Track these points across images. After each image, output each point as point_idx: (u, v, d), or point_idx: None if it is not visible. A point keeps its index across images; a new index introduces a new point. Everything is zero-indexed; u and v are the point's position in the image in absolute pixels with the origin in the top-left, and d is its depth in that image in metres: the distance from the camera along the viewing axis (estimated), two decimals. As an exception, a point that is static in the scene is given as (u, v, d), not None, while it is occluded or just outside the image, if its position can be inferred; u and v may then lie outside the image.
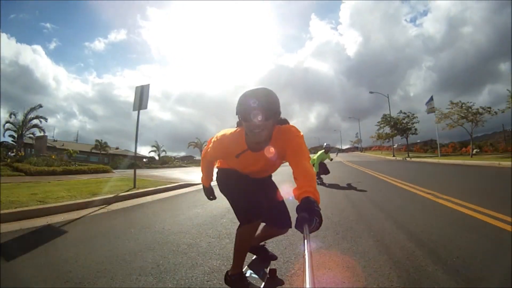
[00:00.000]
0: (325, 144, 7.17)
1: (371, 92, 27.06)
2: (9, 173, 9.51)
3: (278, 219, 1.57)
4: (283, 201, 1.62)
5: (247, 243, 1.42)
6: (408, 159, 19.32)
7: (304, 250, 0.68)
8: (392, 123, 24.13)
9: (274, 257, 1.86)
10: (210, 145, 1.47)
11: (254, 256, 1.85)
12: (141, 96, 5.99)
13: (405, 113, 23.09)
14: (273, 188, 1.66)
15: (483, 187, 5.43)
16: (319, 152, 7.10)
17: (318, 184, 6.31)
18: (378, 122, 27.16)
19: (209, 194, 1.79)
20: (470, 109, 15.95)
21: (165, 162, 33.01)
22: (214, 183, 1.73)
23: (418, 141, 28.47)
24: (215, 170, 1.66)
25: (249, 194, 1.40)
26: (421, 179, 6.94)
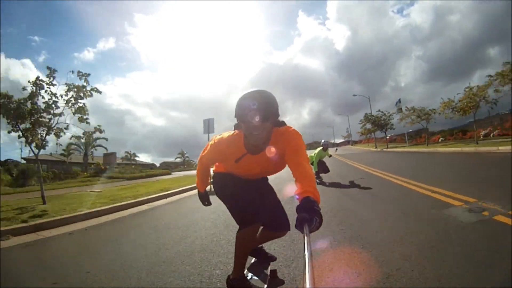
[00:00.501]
0: (322, 141, 6.89)
1: (354, 95, 34.60)
2: (106, 180, 14.54)
3: (276, 222, 1.57)
4: (280, 204, 1.62)
5: (248, 246, 1.42)
6: (385, 150, 24.08)
7: (305, 250, 0.68)
8: (372, 120, 28.82)
9: (274, 258, 1.85)
10: (208, 148, 1.45)
11: (254, 259, 1.84)
12: (209, 125, 8.26)
13: (383, 112, 28.31)
14: (270, 191, 1.65)
15: (411, 166, 8.68)
16: (317, 150, 6.76)
17: (317, 183, 5.55)
18: (361, 120, 31.61)
19: (204, 199, 1.74)
20: (422, 111, 21.65)
21: (190, 165, 37.87)
22: (208, 187, 1.76)
23: (410, 130, 29.20)
24: (212, 174, 1.65)
25: (247, 198, 1.40)
26: (379, 163, 10.05)
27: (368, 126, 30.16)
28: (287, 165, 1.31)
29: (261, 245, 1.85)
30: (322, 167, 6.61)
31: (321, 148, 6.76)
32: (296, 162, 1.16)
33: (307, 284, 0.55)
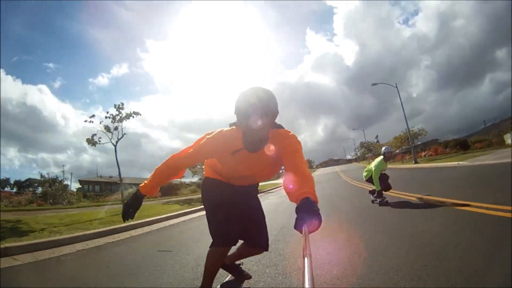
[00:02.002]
0: (384, 148, 5.08)
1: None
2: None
3: (255, 240, 1.52)
4: (264, 221, 1.55)
5: (216, 265, 1.41)
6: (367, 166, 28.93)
7: (304, 250, 0.65)
8: (365, 147, 38.99)
9: (248, 277, 1.75)
10: (203, 141, 1.31)
11: (229, 276, 1.73)
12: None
13: (377, 141, 37.70)
14: (257, 206, 1.58)
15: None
16: (377, 161, 4.97)
17: (377, 202, 4.66)
18: (357, 148, 44.06)
19: (132, 209, 1.30)
20: (402, 140, 26.34)
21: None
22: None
23: (419, 143, 31.03)
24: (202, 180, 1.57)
25: (229, 215, 1.36)
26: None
27: (361, 151, 42.28)
28: (277, 173, 1.29)
29: (238, 262, 1.75)
30: (384, 183, 4.90)
31: (381, 158, 4.98)
32: (294, 164, 1.14)
33: (307, 284, 0.53)
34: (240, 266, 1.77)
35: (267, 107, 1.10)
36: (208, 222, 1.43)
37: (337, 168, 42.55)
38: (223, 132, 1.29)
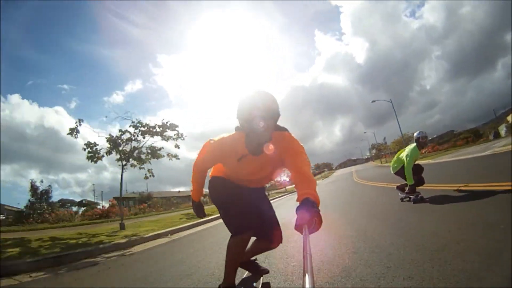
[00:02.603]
0: (416, 133, 4.04)
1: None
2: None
3: (269, 234, 1.53)
4: (275, 215, 1.58)
5: (238, 255, 1.39)
6: (379, 164, 33.11)
7: (304, 251, 0.67)
8: (375, 147, 45.82)
9: (266, 271, 1.79)
10: (207, 150, 1.41)
11: (246, 273, 1.78)
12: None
13: (385, 142, 42.77)
14: (266, 201, 1.62)
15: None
16: (409, 148, 3.97)
17: (411, 200, 3.82)
18: (369, 149, 50.10)
19: (199, 211, 1.67)
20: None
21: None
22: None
23: (435, 136, 31.15)
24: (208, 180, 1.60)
25: (242, 205, 1.37)
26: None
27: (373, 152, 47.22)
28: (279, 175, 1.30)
29: (254, 258, 1.80)
30: (418, 175, 3.97)
31: (414, 145, 4.00)
32: (296, 165, 1.16)
33: (307, 284, 0.54)
34: (256, 261, 1.81)
35: (268, 110, 1.12)
36: (223, 217, 1.45)
37: (353, 168, 47.27)
38: (224, 139, 1.33)
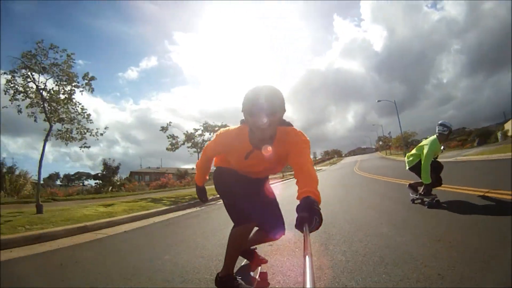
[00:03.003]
0: (440, 124, 3.44)
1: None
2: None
3: (272, 225, 1.54)
4: (279, 207, 1.60)
5: (240, 244, 1.41)
6: (383, 156, 35.54)
7: (304, 249, 0.67)
8: (382, 140, 49.81)
9: (265, 261, 1.83)
10: (214, 139, 1.45)
11: (245, 261, 1.82)
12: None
13: (390, 136, 46.36)
14: (270, 192, 1.63)
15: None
16: (430, 140, 3.41)
17: (425, 204, 3.33)
18: (376, 140, 55.62)
19: (202, 195, 1.72)
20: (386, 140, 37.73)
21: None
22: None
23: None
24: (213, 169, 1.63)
25: (245, 195, 1.38)
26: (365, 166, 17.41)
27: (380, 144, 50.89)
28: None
29: (254, 247, 1.83)
30: (436, 174, 3.42)
31: (434, 137, 3.44)
32: (299, 162, 1.16)
33: (307, 284, 0.54)
34: (256, 251, 1.85)
35: (272, 106, 1.12)
36: (226, 206, 1.47)
37: (359, 157, 50.81)
38: (229, 131, 1.35)
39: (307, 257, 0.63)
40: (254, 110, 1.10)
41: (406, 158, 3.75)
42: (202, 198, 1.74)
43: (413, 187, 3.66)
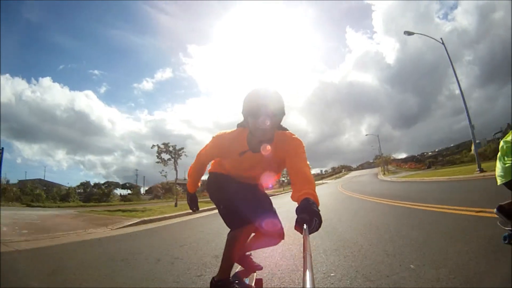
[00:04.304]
0: None
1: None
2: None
3: (270, 230, 1.48)
4: (276, 212, 1.56)
5: (237, 248, 1.38)
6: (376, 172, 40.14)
7: (304, 251, 0.66)
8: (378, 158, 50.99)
9: (259, 267, 1.80)
10: (209, 144, 1.41)
11: (239, 267, 1.79)
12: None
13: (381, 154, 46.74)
14: (266, 197, 1.61)
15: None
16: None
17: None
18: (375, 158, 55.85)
19: (193, 203, 1.63)
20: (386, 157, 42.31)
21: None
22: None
23: (451, 145, 34.19)
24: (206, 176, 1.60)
25: (242, 200, 1.36)
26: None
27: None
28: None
29: (248, 253, 1.80)
30: None
31: None
32: (297, 166, 1.16)
33: (307, 285, 0.54)
34: (251, 257, 1.81)
35: (276, 108, 1.13)
36: (222, 211, 1.45)
37: (358, 173, 54.72)
38: (226, 134, 1.33)
39: (307, 258, 0.63)
40: (257, 111, 1.10)
41: (497, 171, 2.19)
42: (192, 207, 1.65)
43: (505, 211, 2.11)
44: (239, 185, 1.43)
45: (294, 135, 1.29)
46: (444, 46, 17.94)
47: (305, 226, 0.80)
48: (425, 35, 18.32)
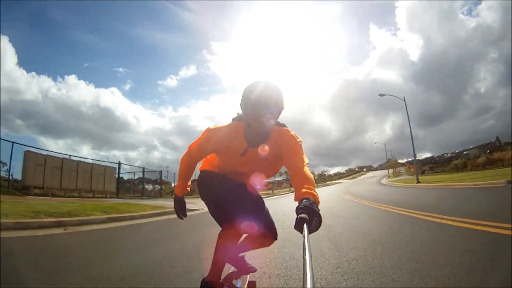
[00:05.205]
0: None
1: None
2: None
3: (263, 230, 1.44)
4: (268, 213, 1.52)
5: (228, 248, 1.35)
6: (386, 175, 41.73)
7: (304, 251, 0.65)
8: (388, 163, 52.15)
9: (253, 270, 1.76)
10: (202, 138, 1.33)
11: (232, 268, 1.75)
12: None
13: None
14: (258, 197, 1.58)
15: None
16: None
17: None
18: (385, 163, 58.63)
19: (180, 208, 1.49)
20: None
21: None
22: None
23: (471, 146, 33.04)
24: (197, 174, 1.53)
25: (234, 199, 1.32)
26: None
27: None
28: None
29: (242, 254, 1.77)
30: None
31: None
32: (295, 164, 1.14)
33: (308, 284, 0.53)
34: (244, 258, 1.78)
35: (276, 100, 1.12)
36: (213, 211, 1.41)
37: (379, 172, 58.04)
38: (223, 127, 1.30)
39: (307, 258, 0.62)
40: (257, 101, 1.09)
41: None
42: (179, 213, 1.49)
43: None
44: (231, 184, 1.39)
45: (291, 131, 1.28)
46: (405, 104, 20.43)
47: (305, 226, 0.79)
48: (392, 95, 21.93)
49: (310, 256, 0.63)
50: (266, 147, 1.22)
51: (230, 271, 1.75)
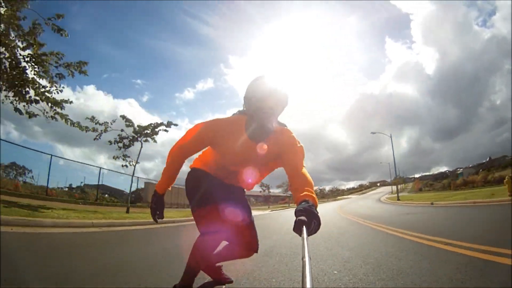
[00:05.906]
0: None
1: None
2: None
3: (245, 240, 1.40)
4: (253, 223, 1.46)
5: (203, 257, 1.27)
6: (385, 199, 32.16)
7: (303, 253, 0.65)
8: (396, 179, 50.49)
9: (229, 280, 1.67)
10: (197, 130, 1.25)
11: (208, 278, 1.65)
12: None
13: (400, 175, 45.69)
14: (246, 205, 1.49)
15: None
16: None
17: None
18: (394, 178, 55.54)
19: (158, 208, 1.33)
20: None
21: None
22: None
23: (484, 161, 32.18)
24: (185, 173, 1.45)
25: (221, 204, 1.24)
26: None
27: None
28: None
29: (219, 264, 1.68)
30: None
31: None
32: (294, 164, 1.13)
33: (307, 285, 0.54)
34: (221, 268, 1.68)
35: (281, 94, 1.13)
36: (195, 212, 1.31)
37: (385, 188, 56.88)
38: (224, 118, 1.28)
39: (306, 259, 0.62)
40: (262, 92, 1.10)
41: None
42: (155, 214, 1.32)
43: None
44: (221, 186, 1.33)
45: (292, 133, 1.28)
46: (391, 140, 22.35)
47: (304, 229, 0.78)
48: (380, 132, 25.38)
49: (309, 258, 0.64)
50: (265, 146, 1.21)
51: (205, 281, 1.65)
